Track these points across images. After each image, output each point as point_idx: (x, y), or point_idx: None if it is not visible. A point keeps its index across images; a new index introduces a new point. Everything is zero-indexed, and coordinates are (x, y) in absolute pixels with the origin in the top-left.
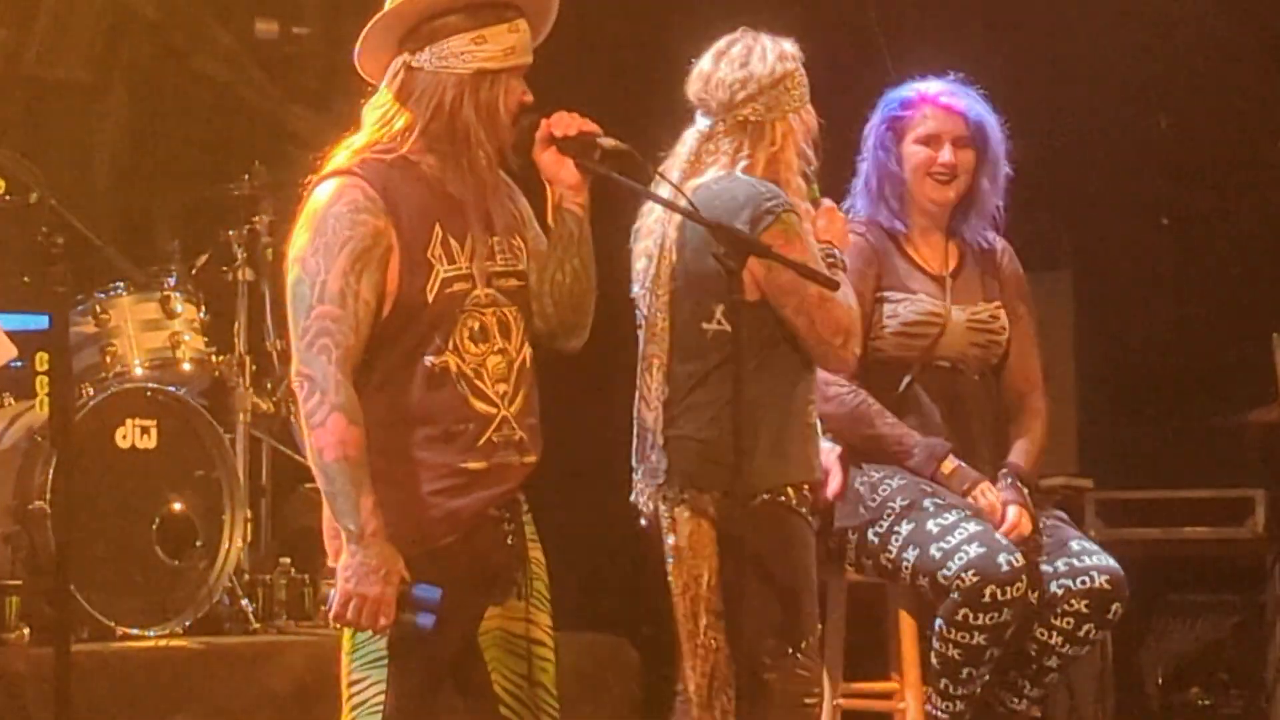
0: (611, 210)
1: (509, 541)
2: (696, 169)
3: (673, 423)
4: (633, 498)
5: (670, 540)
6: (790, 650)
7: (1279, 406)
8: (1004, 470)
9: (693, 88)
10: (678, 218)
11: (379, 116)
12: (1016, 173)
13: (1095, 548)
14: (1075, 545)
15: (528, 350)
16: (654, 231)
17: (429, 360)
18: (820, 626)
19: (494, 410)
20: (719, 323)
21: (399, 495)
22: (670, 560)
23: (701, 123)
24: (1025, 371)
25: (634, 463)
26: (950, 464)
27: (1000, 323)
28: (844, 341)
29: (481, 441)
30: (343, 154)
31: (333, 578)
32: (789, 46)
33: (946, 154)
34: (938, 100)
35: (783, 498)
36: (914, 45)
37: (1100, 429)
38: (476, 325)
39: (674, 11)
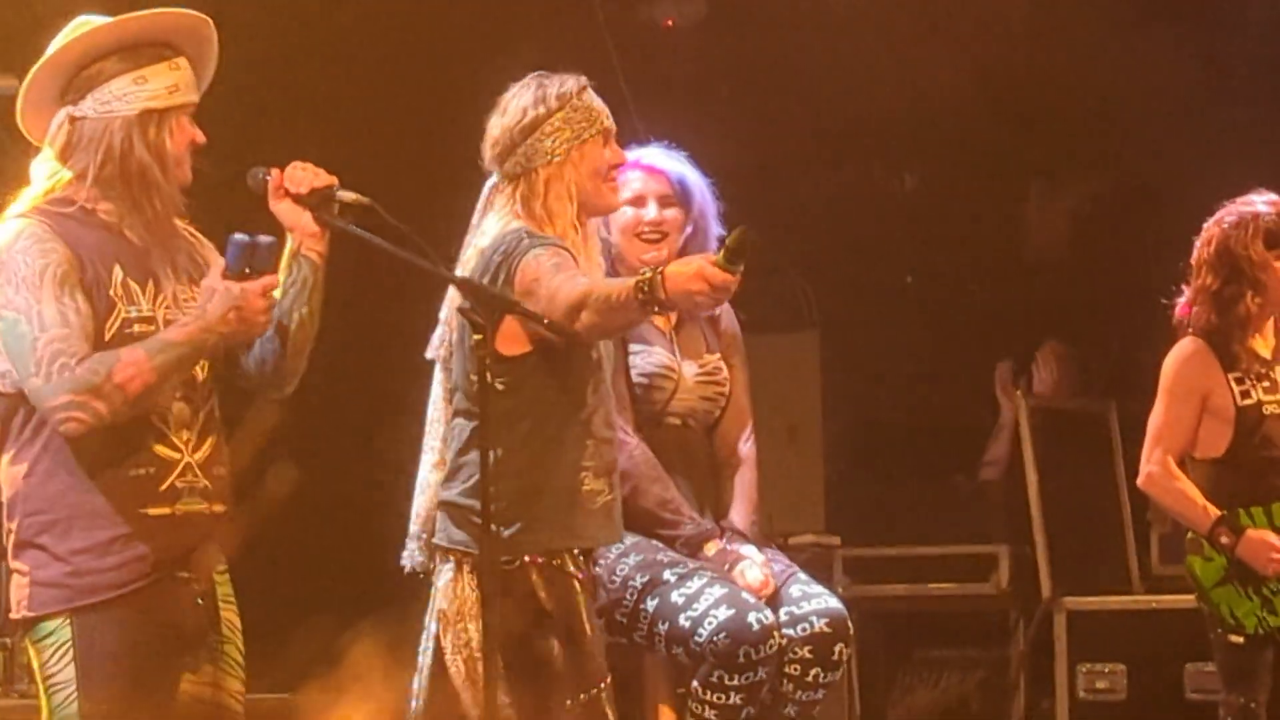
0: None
1: (198, 602)
2: (481, 223)
3: (446, 484)
4: (404, 560)
5: (437, 605)
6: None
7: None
8: (729, 535)
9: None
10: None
11: (48, 171)
12: (760, 234)
13: (817, 589)
14: (795, 591)
15: (214, 400)
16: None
17: None
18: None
19: (178, 456)
20: (476, 380)
21: (73, 545)
22: (437, 625)
23: (492, 177)
24: (740, 421)
25: (411, 525)
26: (714, 547)
27: (724, 374)
28: (574, 317)
29: (164, 487)
30: (15, 205)
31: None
32: (556, 88)
33: (651, 211)
34: (639, 163)
35: (525, 564)
36: (660, 106)
37: (847, 486)
38: None
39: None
